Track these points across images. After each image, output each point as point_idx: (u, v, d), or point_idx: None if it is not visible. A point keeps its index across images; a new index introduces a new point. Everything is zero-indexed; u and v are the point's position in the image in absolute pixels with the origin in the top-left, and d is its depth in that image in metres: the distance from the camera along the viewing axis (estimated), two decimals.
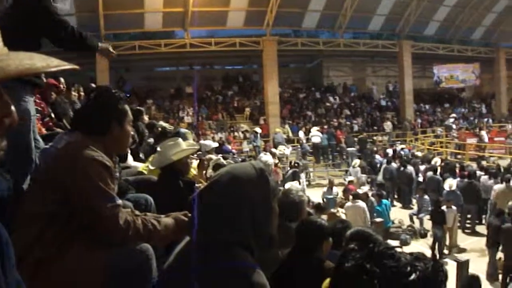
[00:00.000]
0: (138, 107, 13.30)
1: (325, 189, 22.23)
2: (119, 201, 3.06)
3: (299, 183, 20.63)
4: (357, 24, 39.47)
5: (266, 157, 20.96)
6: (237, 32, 36.89)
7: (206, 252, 2.40)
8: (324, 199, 20.51)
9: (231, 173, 2.56)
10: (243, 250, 2.44)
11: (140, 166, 6.93)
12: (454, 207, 17.62)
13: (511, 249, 13.35)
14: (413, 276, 1.77)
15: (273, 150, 24.29)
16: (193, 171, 7.53)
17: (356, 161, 26.12)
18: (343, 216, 14.75)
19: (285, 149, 25.80)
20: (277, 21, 35.13)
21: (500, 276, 14.10)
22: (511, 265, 13.47)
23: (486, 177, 21.20)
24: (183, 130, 12.35)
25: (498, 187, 19.03)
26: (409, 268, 1.80)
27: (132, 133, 3.68)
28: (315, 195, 20.91)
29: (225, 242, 2.41)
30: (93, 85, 10.03)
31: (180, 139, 5.87)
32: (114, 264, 2.92)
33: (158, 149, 5.83)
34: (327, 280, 3.51)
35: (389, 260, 1.83)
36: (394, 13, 39.32)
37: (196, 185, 5.70)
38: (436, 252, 16.85)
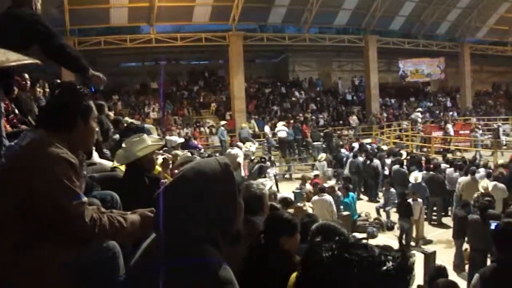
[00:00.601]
0: (100, 102, 13.20)
1: (297, 184, 22.29)
2: (85, 199, 3.02)
3: (266, 178, 20.62)
4: (323, 19, 39.56)
5: (234, 151, 20.96)
6: (203, 27, 36.80)
7: (173, 248, 2.40)
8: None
9: (196, 169, 2.55)
10: (209, 246, 2.44)
11: (106, 163, 6.88)
12: (420, 200, 17.70)
13: (477, 240, 13.49)
14: (387, 265, 1.79)
15: (239, 144, 24.23)
16: (158, 167, 7.50)
17: (322, 155, 26.15)
18: (310, 210, 14.82)
19: (251, 146, 25.74)
20: (243, 16, 35.09)
21: (467, 267, 14.24)
22: (477, 256, 13.63)
23: (452, 169, 21.39)
24: (147, 125, 12.30)
25: (463, 179, 19.18)
26: (382, 258, 1.82)
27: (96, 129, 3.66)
28: (283, 190, 21.00)
29: (192, 238, 2.41)
30: (58, 81, 9.94)
31: (145, 135, 5.85)
32: (80, 263, 2.87)
33: (123, 145, 5.80)
34: (294, 274, 3.52)
35: (362, 250, 1.85)
36: (360, 8, 39.54)
37: (162, 181, 5.67)
38: (403, 244, 16.98)
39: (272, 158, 27.39)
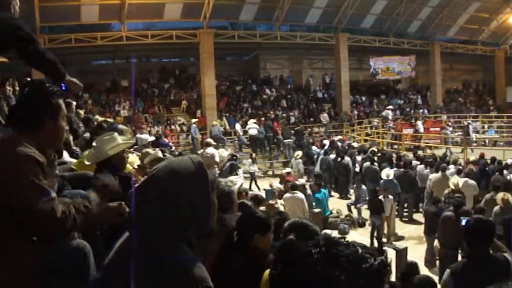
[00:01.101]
0: (67, 100, 13.09)
1: (271, 182, 22.32)
2: (54, 195, 2.99)
3: (237, 176, 20.60)
4: (294, 16, 39.44)
5: (210, 150, 20.94)
6: (174, 24, 36.53)
7: (147, 247, 2.40)
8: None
9: (169, 167, 2.55)
10: (183, 244, 2.44)
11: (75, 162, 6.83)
12: (391, 196, 17.77)
13: (449, 237, 13.61)
14: (370, 262, 1.80)
15: (210, 140, 24.18)
16: (129, 166, 7.46)
17: (299, 153, 26.16)
18: (282, 208, 14.84)
19: (223, 151, 25.67)
20: (214, 14, 34.89)
21: (438, 262, 14.37)
22: (449, 252, 13.75)
23: (422, 166, 21.59)
24: (121, 126, 12.24)
25: (434, 176, 19.35)
26: (365, 254, 1.82)
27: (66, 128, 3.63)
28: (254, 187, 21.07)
29: (166, 237, 2.42)
30: (28, 79, 9.85)
31: (116, 134, 5.79)
32: (50, 263, 2.86)
33: (94, 144, 5.75)
34: (267, 272, 3.52)
35: (347, 247, 1.85)
36: (331, 6, 39.48)
37: (133, 179, 5.64)
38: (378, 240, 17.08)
39: (254, 155, 27.34)
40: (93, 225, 3.13)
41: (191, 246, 2.48)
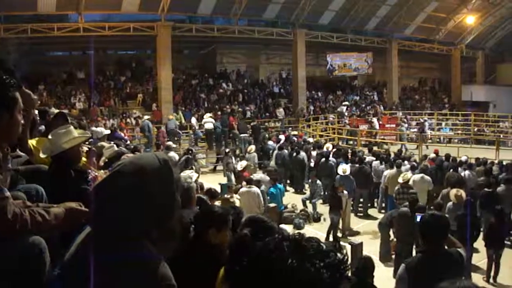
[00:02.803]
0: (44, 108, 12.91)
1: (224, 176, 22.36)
2: (7, 193, 2.92)
3: (192, 170, 20.54)
4: (253, 11, 39.41)
5: (171, 154, 20.97)
6: (132, 16, 36.14)
7: (109, 243, 2.36)
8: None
9: (134, 164, 2.51)
10: (146, 242, 2.41)
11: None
12: (345, 192, 17.88)
13: (404, 233, 13.77)
14: (333, 256, 1.80)
15: (170, 143, 24.11)
16: (84, 159, 7.38)
17: (252, 147, 26.15)
18: (237, 202, 14.86)
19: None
20: (172, 7, 34.58)
21: (393, 257, 14.52)
22: (404, 247, 13.91)
23: (377, 162, 21.82)
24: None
25: (389, 172, 19.59)
26: (328, 249, 1.82)
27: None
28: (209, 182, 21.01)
29: (129, 234, 2.37)
30: None
31: (71, 127, 5.70)
32: (3, 260, 2.82)
33: (49, 137, 5.67)
34: (223, 269, 3.51)
35: (307, 242, 1.85)
36: (290, 1, 39.47)
37: (92, 174, 5.58)
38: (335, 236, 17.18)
39: (238, 151, 27.38)
40: (44, 234, 3.06)
41: (154, 244, 2.46)
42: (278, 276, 1.78)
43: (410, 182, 17.39)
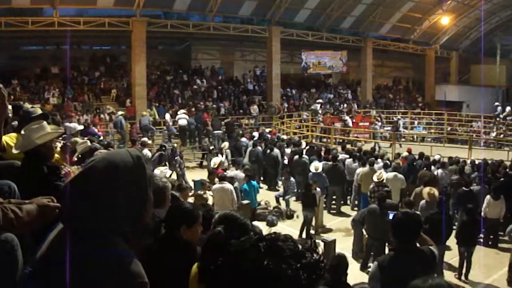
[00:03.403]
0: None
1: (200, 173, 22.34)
2: None
3: (165, 167, 20.48)
4: (228, 8, 39.34)
5: (145, 151, 20.91)
6: (107, 11, 35.84)
7: (81, 240, 2.33)
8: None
9: (108, 160, 2.48)
10: (118, 239, 2.39)
11: None
12: (318, 189, 17.93)
13: (375, 229, 13.87)
14: (309, 257, 1.80)
15: (145, 139, 23.98)
16: (57, 155, 7.34)
17: (225, 144, 26.14)
18: (210, 198, 14.86)
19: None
20: (147, 2, 34.32)
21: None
22: (375, 244, 14.00)
23: (351, 160, 21.90)
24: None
25: (362, 169, 19.69)
26: (304, 250, 1.83)
27: None
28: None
29: (101, 231, 2.36)
30: None
31: (44, 122, 5.66)
32: None
33: (22, 132, 5.62)
34: (195, 266, 3.50)
35: (284, 242, 1.85)
36: None
37: (65, 169, 5.55)
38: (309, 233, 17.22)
39: (223, 144, 27.28)
40: (17, 231, 3.02)
41: (127, 241, 2.44)
42: (255, 277, 1.78)
43: (384, 180, 17.51)
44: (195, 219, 4.77)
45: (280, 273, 1.77)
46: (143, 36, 35.22)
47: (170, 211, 4.84)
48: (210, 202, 11.90)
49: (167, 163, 22.10)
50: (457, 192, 17.37)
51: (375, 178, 17.07)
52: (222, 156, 24.07)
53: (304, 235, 16.87)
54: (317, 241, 13.57)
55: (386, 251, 13.23)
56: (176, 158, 23.35)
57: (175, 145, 26.42)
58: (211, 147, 26.16)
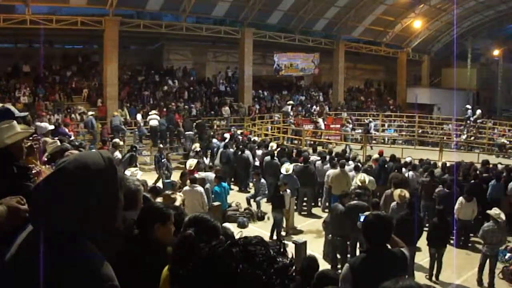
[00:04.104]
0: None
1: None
2: None
3: (136, 168, 20.39)
4: (202, 9, 39.30)
5: (117, 153, 20.83)
6: (80, 10, 35.62)
7: (50, 243, 2.30)
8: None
9: (79, 161, 2.44)
10: (89, 241, 2.36)
11: None
12: (288, 191, 17.93)
13: (334, 224, 14.04)
14: (280, 261, 1.79)
15: (117, 141, 23.85)
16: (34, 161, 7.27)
17: (196, 145, 26.04)
18: (179, 199, 14.81)
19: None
20: (121, 1, 34.18)
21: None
22: (338, 241, 14.14)
23: (321, 162, 21.93)
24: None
25: (333, 171, 19.78)
26: (274, 253, 1.81)
27: None
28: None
29: (71, 233, 2.32)
30: None
31: (14, 122, 5.59)
32: None
33: None
34: (166, 268, 3.48)
35: (255, 247, 1.83)
36: (239, 0, 39.62)
37: (36, 169, 5.48)
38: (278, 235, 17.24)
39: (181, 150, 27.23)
40: None
41: (97, 244, 2.41)
42: (228, 283, 1.77)
43: (353, 183, 17.62)
44: (168, 216, 4.76)
45: (255, 279, 1.75)
46: (116, 35, 35.00)
47: (143, 210, 4.82)
48: (178, 202, 11.82)
49: (156, 166, 22.13)
50: (439, 194, 17.68)
51: (358, 182, 17.16)
52: (203, 159, 24.07)
53: (275, 237, 16.90)
54: (288, 242, 13.64)
55: (356, 251, 13.39)
56: (163, 160, 23.26)
57: (161, 145, 26.42)
58: (197, 149, 25.96)
